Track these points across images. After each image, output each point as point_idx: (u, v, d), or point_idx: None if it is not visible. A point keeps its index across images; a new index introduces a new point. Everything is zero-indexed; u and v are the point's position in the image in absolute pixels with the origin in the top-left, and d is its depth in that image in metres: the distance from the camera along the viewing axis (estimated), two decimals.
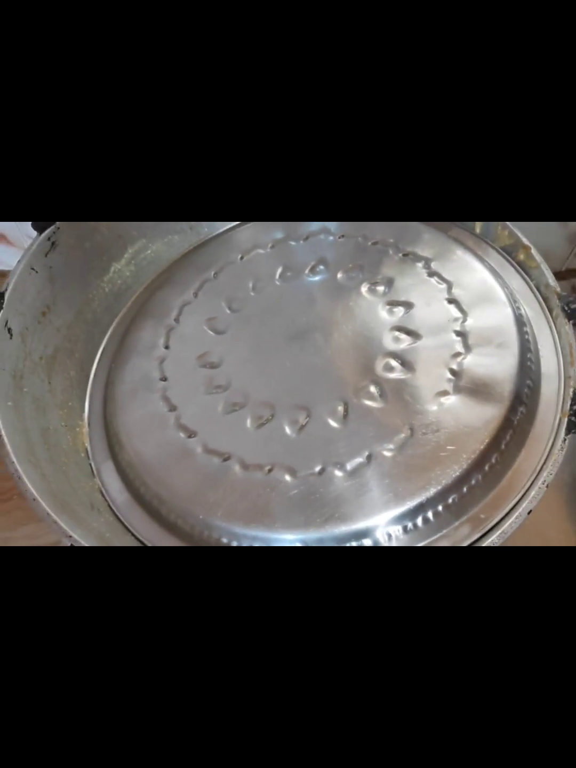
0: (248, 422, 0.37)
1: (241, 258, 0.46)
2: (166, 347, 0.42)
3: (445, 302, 0.40)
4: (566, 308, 0.38)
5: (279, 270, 0.45)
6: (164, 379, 0.40)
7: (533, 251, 0.41)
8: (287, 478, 0.34)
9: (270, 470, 0.34)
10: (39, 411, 0.39)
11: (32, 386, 0.39)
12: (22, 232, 0.66)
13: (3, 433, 0.33)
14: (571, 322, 0.38)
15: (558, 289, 0.39)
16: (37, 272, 0.41)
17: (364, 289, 0.42)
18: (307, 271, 0.44)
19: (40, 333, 0.41)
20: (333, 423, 0.36)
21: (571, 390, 0.35)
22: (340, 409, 0.36)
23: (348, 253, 0.44)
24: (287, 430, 0.36)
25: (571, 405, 0.34)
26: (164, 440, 0.37)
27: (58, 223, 0.41)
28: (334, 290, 0.42)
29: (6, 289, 0.38)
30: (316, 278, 0.44)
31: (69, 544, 0.30)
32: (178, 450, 0.36)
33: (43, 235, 0.41)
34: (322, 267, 0.44)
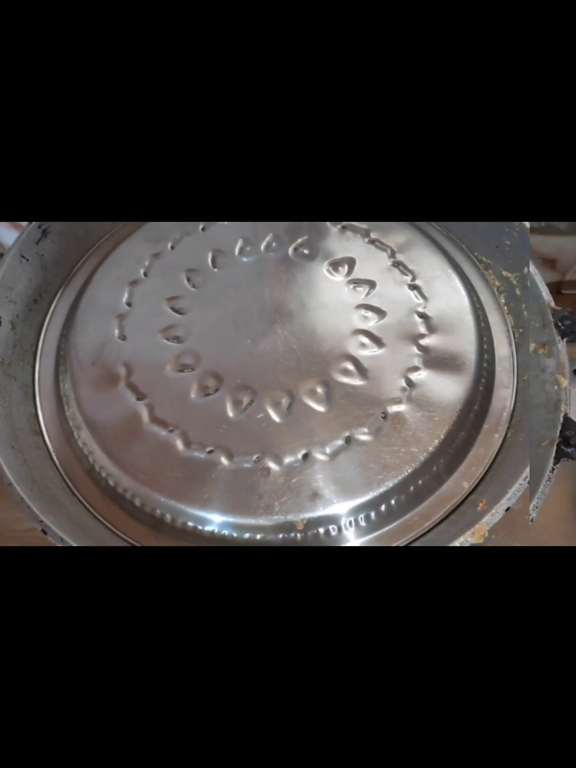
0: (228, 407, 0.36)
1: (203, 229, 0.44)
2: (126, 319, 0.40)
3: (407, 288, 0.40)
4: (560, 325, 0.36)
5: (238, 245, 0.43)
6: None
7: (531, 269, 0.38)
8: (272, 465, 0.34)
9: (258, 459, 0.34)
10: (27, 397, 0.39)
11: (21, 373, 0.40)
12: None
13: None
14: (564, 339, 0.35)
15: (552, 304, 0.37)
16: (27, 260, 0.41)
17: (325, 267, 0.41)
18: (263, 248, 0.43)
19: (32, 321, 0.42)
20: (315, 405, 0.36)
21: (562, 415, 0.32)
22: (321, 391, 0.36)
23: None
24: (271, 412, 0.35)
25: (562, 431, 0.32)
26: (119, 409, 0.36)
27: None
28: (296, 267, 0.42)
29: None
30: (274, 255, 0.42)
31: (41, 528, 0.31)
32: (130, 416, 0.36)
33: (34, 222, 0.41)
34: (276, 243, 0.43)
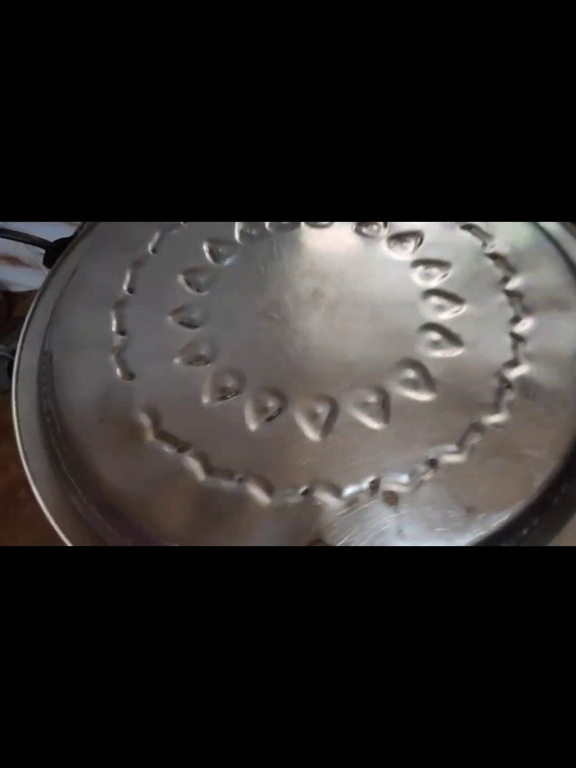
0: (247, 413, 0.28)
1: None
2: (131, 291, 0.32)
3: (487, 258, 0.32)
4: None
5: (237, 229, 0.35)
6: (123, 331, 0.31)
7: None
8: (330, 498, 0.26)
9: (306, 491, 0.26)
10: None
11: None
12: (33, 251, 0.63)
13: None
14: None
15: None
16: None
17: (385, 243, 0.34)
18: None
19: None
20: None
21: None
22: (373, 399, 0.28)
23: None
24: (306, 429, 0.28)
25: None
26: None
27: None
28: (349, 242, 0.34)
29: None
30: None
31: None
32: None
33: None
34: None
